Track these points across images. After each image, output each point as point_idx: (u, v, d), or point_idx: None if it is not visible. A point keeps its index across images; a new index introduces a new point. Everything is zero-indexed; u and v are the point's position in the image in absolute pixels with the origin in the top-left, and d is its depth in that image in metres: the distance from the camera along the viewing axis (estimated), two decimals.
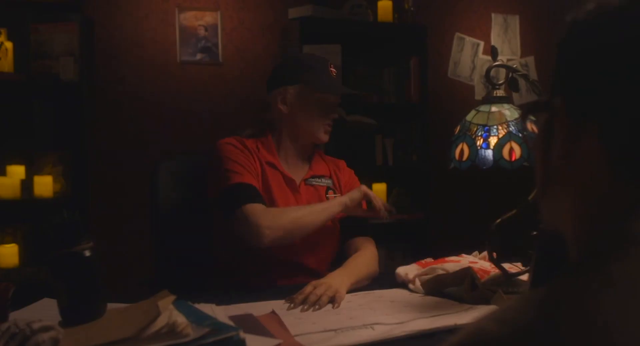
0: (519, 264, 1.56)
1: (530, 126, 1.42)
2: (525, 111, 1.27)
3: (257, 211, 1.53)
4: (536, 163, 0.68)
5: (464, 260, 1.63)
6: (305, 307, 1.35)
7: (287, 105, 1.72)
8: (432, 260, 1.66)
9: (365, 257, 1.67)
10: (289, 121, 1.74)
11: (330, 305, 1.38)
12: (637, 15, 0.57)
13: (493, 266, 1.46)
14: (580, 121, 0.59)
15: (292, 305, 1.37)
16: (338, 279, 1.48)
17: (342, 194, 1.78)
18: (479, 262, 1.61)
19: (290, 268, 1.67)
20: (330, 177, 1.83)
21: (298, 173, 1.77)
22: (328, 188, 1.79)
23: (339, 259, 1.72)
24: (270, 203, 1.65)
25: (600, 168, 0.58)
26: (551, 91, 0.64)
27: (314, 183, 1.77)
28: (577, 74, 0.60)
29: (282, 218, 1.55)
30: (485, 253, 1.63)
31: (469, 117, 1.50)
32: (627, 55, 0.56)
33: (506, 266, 1.46)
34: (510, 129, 1.41)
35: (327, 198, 1.76)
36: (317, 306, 1.36)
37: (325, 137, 1.75)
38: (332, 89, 1.74)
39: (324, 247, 1.75)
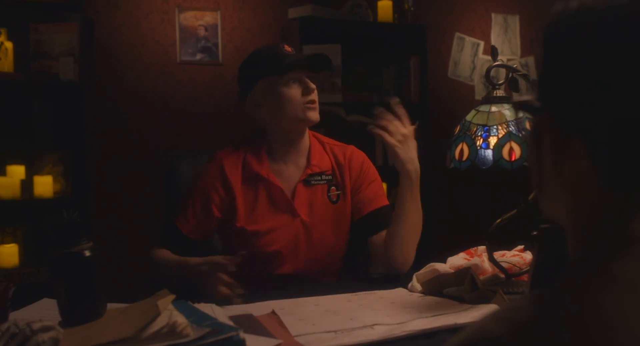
0: (521, 248, 1.56)
1: (528, 124, 1.41)
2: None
3: (158, 251, 1.72)
4: (531, 164, 0.68)
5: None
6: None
7: (263, 106, 1.70)
8: (484, 249, 1.55)
9: None
10: (272, 119, 1.70)
11: (329, 307, 1.38)
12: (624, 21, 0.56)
13: (493, 265, 1.46)
14: (567, 134, 0.59)
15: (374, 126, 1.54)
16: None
17: (349, 192, 1.75)
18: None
19: (295, 278, 1.70)
20: (332, 171, 1.77)
21: (294, 175, 1.73)
22: (329, 185, 1.75)
23: (370, 258, 1.78)
24: (254, 221, 1.69)
25: (590, 177, 0.58)
26: (539, 98, 0.64)
27: (313, 182, 1.73)
28: (562, 88, 0.59)
29: (157, 265, 1.71)
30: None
31: (468, 117, 1.50)
32: (604, 67, 0.56)
33: (506, 266, 1.46)
34: (510, 129, 1.42)
35: (329, 197, 1.74)
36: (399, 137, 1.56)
37: (313, 116, 1.68)
38: (290, 67, 1.65)
39: (332, 257, 1.77)
